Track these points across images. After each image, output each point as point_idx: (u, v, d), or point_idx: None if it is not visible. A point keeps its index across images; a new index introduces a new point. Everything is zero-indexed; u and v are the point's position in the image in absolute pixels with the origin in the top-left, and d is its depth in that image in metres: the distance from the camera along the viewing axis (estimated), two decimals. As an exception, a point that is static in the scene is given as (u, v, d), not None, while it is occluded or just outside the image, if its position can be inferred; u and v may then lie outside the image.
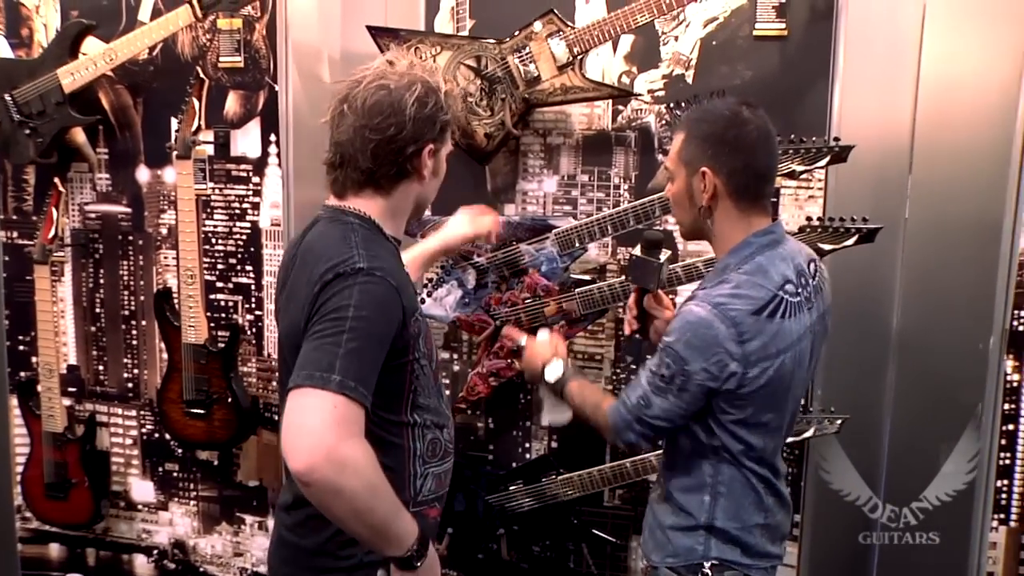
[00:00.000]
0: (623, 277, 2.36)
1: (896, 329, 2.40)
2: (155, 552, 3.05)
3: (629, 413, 1.71)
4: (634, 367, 2.49)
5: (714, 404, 1.64)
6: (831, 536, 2.36)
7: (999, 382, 2.22)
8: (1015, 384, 2.27)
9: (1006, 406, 2.24)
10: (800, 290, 1.66)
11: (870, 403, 2.44)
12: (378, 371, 1.47)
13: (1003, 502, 2.30)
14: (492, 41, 2.34)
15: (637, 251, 1.85)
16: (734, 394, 1.61)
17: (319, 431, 1.36)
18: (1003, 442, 2.26)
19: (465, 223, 2.28)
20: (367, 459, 1.40)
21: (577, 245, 2.34)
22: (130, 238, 2.90)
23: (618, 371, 2.51)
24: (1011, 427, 2.25)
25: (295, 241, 1.69)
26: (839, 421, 2.25)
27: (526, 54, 2.31)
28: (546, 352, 2.02)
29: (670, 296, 1.96)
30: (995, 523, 2.30)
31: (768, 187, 1.70)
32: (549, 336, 2.08)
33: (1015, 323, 2.24)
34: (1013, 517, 2.31)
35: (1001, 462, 2.27)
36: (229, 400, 2.71)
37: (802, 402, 1.84)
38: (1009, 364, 2.23)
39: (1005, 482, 2.29)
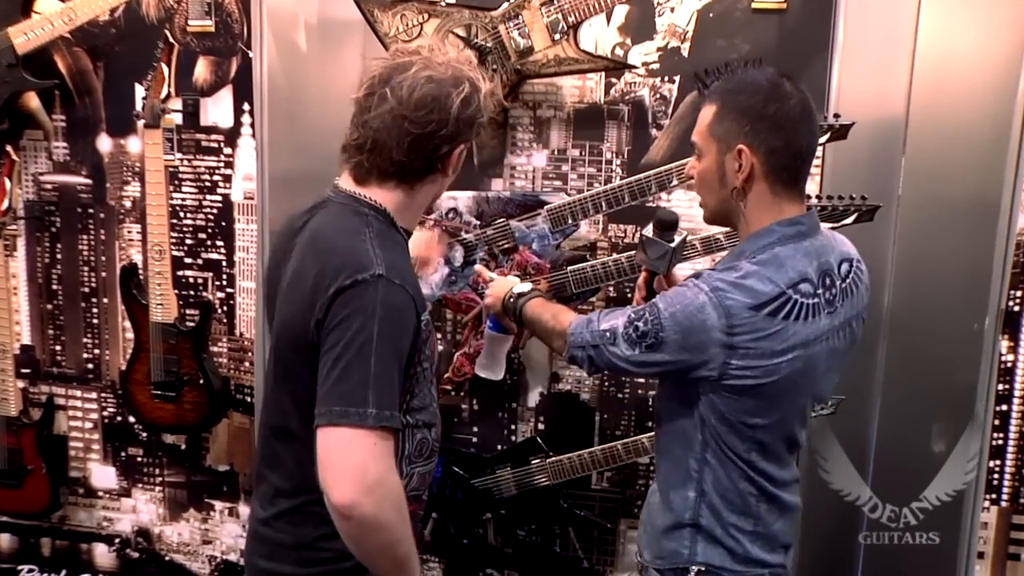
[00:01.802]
0: (615, 256, 2.30)
1: (887, 309, 2.38)
2: (117, 541, 2.91)
3: (592, 336, 1.61)
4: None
5: (702, 395, 1.53)
6: (831, 536, 2.33)
7: (994, 362, 2.22)
8: (1009, 364, 2.27)
9: (1000, 386, 2.24)
10: (820, 291, 1.52)
11: (860, 386, 2.42)
12: (402, 381, 1.47)
13: (995, 482, 2.31)
14: (483, 9, 2.24)
15: (648, 231, 1.76)
16: (719, 384, 1.50)
17: (361, 469, 1.37)
18: (996, 422, 2.26)
19: (417, 243, 2.22)
20: (401, 492, 1.44)
21: (570, 222, 2.27)
22: (90, 211, 2.74)
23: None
24: (1004, 407, 2.26)
25: (295, 221, 1.59)
26: (830, 403, 2.22)
27: (519, 23, 2.21)
28: (517, 281, 1.97)
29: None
30: (987, 503, 2.30)
31: (806, 169, 1.55)
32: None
33: (1011, 303, 2.24)
34: (1005, 497, 2.32)
35: (994, 442, 2.27)
36: (200, 382, 2.59)
37: (810, 412, 1.70)
38: (1004, 344, 2.23)
39: (997, 462, 2.29)
